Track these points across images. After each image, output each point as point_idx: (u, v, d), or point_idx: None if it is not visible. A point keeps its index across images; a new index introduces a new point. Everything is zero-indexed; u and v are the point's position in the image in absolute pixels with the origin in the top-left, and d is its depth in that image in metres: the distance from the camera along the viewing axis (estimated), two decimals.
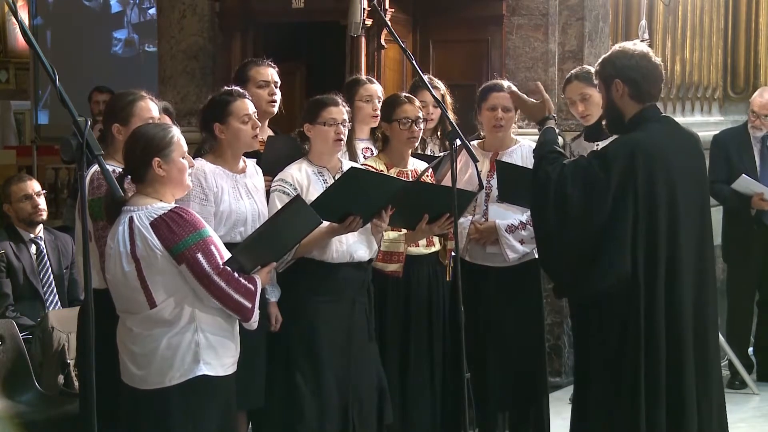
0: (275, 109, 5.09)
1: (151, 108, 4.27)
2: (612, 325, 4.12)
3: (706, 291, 4.21)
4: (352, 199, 4.47)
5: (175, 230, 3.69)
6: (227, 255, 3.80)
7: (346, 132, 4.72)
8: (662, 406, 4.05)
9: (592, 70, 5.58)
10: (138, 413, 3.81)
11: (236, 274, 3.76)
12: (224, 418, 3.88)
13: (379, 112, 5.18)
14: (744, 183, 6.90)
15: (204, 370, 3.76)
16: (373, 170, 4.91)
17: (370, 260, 4.78)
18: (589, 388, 4.21)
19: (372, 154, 5.24)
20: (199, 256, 3.70)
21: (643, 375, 4.04)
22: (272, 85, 5.06)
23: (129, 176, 3.82)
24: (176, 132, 3.87)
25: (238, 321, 3.88)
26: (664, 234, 4.08)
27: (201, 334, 3.76)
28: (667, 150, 4.14)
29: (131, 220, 3.72)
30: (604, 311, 4.14)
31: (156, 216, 3.71)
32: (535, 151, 4.33)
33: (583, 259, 4.09)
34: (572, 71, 5.80)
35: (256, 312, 3.85)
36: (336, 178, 4.67)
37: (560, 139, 6.72)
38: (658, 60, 4.27)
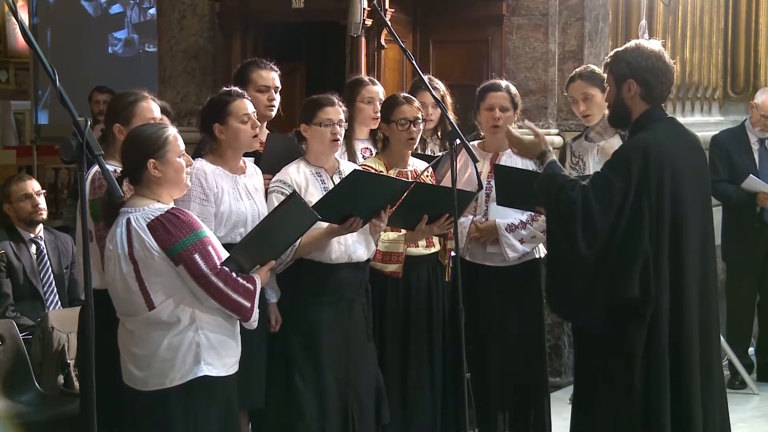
0: (273, 114, 5.08)
1: (152, 108, 4.27)
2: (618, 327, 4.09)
3: (709, 292, 4.19)
4: (354, 200, 4.47)
5: (172, 231, 3.68)
6: (225, 255, 3.78)
7: (343, 132, 4.71)
8: (667, 409, 4.03)
9: (597, 69, 5.59)
10: (139, 415, 3.80)
11: (234, 274, 3.75)
12: (226, 419, 3.86)
13: (379, 114, 5.18)
14: (752, 183, 6.89)
15: (205, 370, 3.75)
16: (374, 172, 4.91)
17: (368, 260, 4.79)
18: (593, 389, 4.19)
19: (371, 154, 5.23)
20: (197, 256, 3.68)
21: (653, 377, 4.02)
22: (272, 90, 5.05)
23: (127, 178, 3.81)
24: (172, 131, 3.84)
25: (238, 320, 3.87)
26: (666, 234, 4.04)
27: (202, 334, 3.75)
28: (672, 150, 4.12)
29: (128, 221, 3.71)
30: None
31: (153, 217, 3.70)
32: (547, 187, 4.19)
33: (605, 273, 4.01)
34: (576, 70, 5.79)
35: (256, 311, 3.83)
36: (333, 179, 4.67)
37: (560, 138, 6.77)
38: (671, 61, 4.26)
